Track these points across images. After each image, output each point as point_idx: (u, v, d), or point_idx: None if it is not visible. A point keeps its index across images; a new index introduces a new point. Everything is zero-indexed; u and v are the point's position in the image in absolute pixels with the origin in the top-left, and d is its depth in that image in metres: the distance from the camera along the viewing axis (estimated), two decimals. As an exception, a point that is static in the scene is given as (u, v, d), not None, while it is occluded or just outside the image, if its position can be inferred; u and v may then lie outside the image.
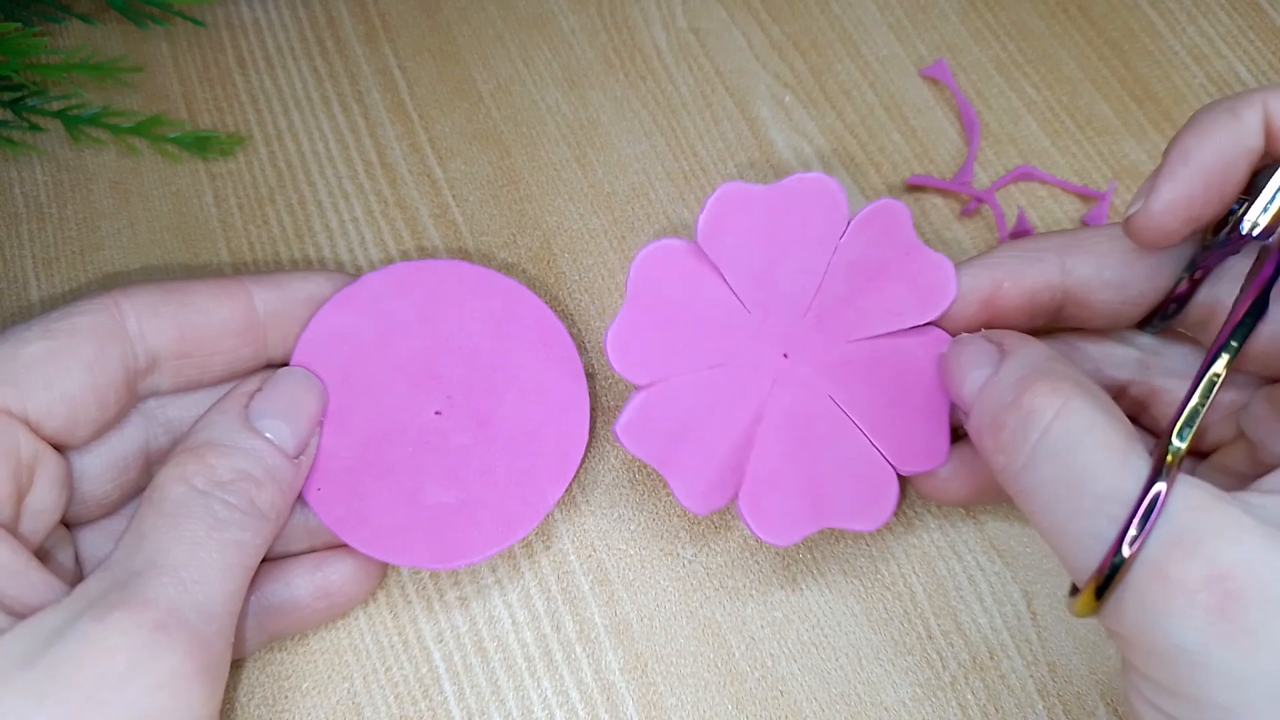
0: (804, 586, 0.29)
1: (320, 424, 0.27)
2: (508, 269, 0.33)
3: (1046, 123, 0.36)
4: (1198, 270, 0.25)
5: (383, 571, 0.28)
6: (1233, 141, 0.22)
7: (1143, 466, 0.19)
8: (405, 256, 0.33)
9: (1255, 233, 0.22)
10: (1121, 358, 0.28)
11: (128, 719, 0.20)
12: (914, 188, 0.35)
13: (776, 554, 0.29)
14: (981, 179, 0.35)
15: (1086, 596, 0.19)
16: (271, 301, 0.27)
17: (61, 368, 0.24)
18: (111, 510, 0.27)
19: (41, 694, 0.19)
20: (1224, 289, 0.25)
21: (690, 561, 0.29)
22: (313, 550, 0.28)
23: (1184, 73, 0.36)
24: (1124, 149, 0.35)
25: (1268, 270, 0.21)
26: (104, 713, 0.20)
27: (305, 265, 0.33)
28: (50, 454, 0.24)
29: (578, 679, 0.28)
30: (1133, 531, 0.18)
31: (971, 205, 0.34)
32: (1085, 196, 0.34)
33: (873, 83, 0.36)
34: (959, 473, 0.27)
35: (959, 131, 0.36)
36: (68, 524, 0.26)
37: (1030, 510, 0.21)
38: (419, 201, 0.34)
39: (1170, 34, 0.37)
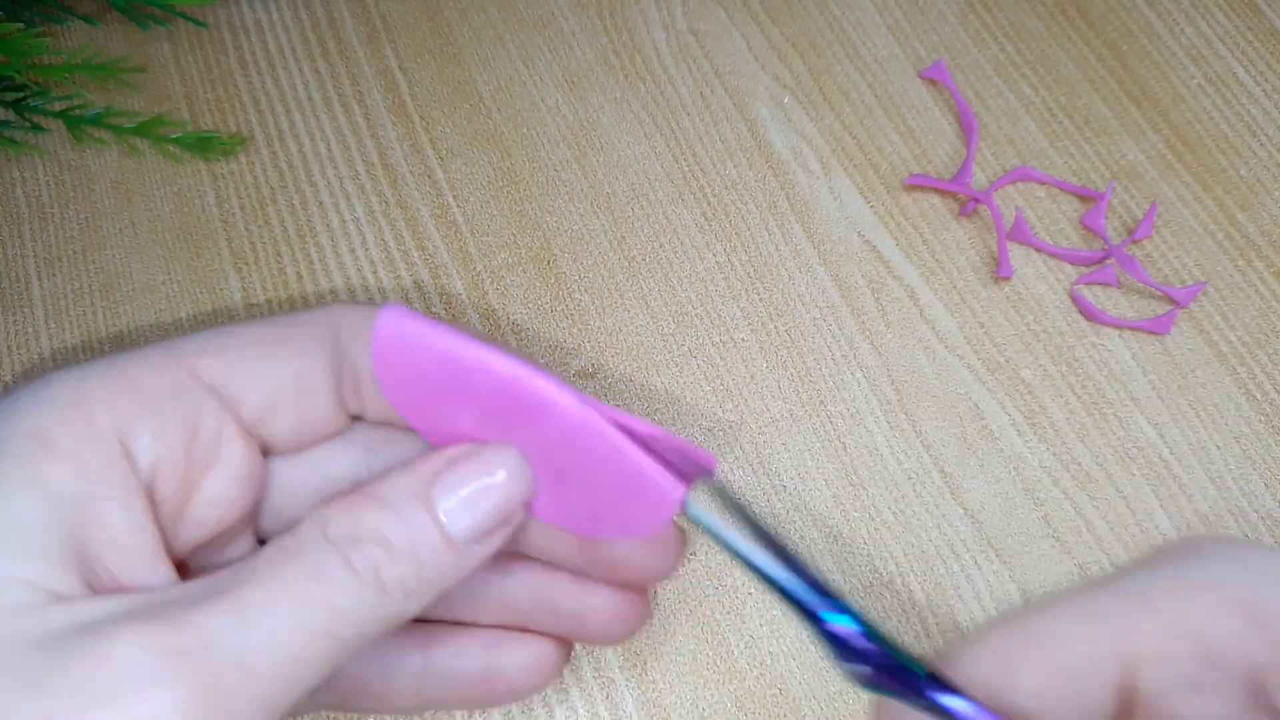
0: (803, 585, 0.29)
1: (520, 515, 0.23)
2: (508, 269, 0.33)
3: (1044, 123, 0.36)
4: None
5: (562, 666, 0.26)
6: None
7: None
8: (406, 257, 0.34)
9: None
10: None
11: None
12: (913, 188, 0.35)
13: (775, 552, 0.30)
14: (980, 179, 0.35)
15: None
16: None
17: (273, 351, 0.23)
18: None
19: (32, 680, 0.18)
20: None
21: (689, 559, 0.30)
22: (500, 626, 0.25)
23: (1182, 73, 0.37)
24: (1122, 149, 0.35)
25: None
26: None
27: (312, 277, 0.34)
28: (239, 441, 0.22)
29: (577, 676, 0.28)
30: None
31: (969, 205, 0.34)
32: (1083, 197, 0.35)
33: (871, 84, 0.37)
34: None
35: (957, 132, 0.36)
36: (261, 539, 0.25)
37: None
38: (420, 202, 0.35)
39: (1168, 35, 0.37)
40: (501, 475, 0.23)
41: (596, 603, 0.25)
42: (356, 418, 0.25)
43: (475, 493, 0.22)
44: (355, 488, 0.23)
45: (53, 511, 0.20)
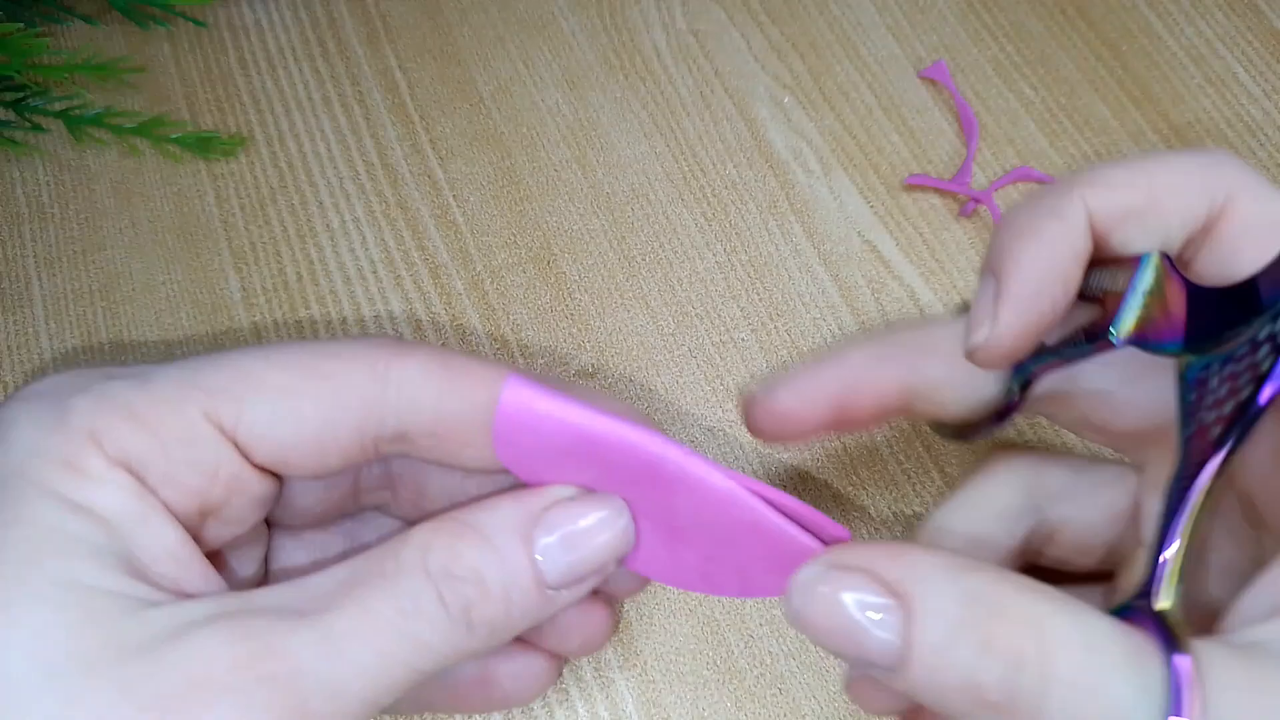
0: (803, 585, 0.29)
1: (613, 568, 0.23)
2: (508, 269, 0.33)
3: (1044, 123, 0.36)
4: (1031, 376, 0.23)
5: (554, 677, 0.26)
6: (1065, 248, 0.20)
7: (1153, 653, 0.17)
8: (406, 257, 0.34)
9: (1121, 338, 0.20)
10: (1006, 510, 0.25)
11: None
12: (912, 187, 0.35)
13: (775, 552, 0.30)
14: (980, 179, 0.35)
15: None
16: None
17: (293, 407, 0.22)
18: (312, 524, 0.25)
19: (131, 688, 0.18)
20: (1055, 377, 0.23)
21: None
22: None
23: (1182, 74, 0.37)
24: (1121, 150, 0.35)
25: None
26: None
27: (312, 278, 0.34)
28: (254, 477, 0.22)
29: (577, 676, 0.28)
30: None
31: (969, 206, 0.34)
32: (1083, 197, 0.35)
33: (871, 84, 0.37)
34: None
35: (957, 132, 0.36)
36: (268, 523, 0.25)
37: None
38: (420, 202, 0.35)
39: (1168, 35, 0.37)
40: (604, 525, 0.22)
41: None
42: (390, 458, 0.24)
43: (575, 537, 0.22)
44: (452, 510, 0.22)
45: (105, 531, 0.20)
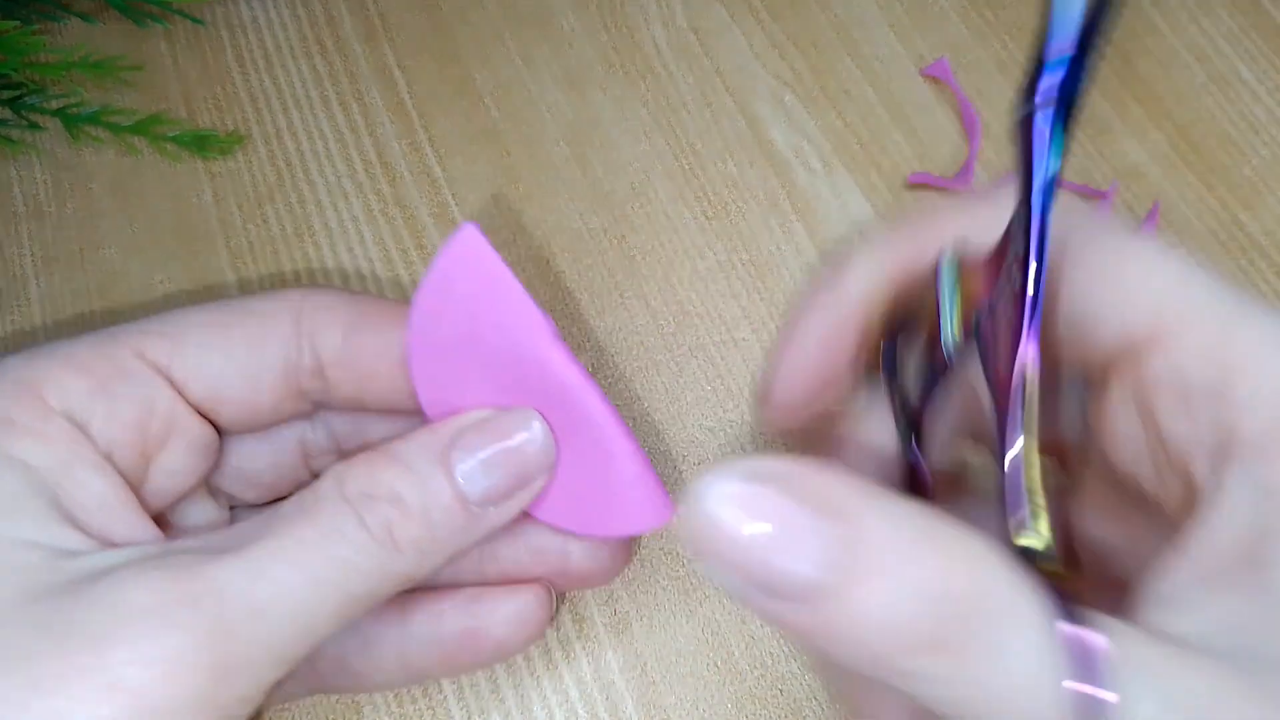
0: (804, 586, 0.29)
1: (539, 482, 0.23)
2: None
3: (1047, 122, 0.36)
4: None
5: (547, 617, 0.25)
6: (834, 318, 0.22)
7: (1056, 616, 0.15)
8: (405, 256, 0.33)
9: (954, 349, 0.20)
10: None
11: (103, 681, 0.18)
12: (915, 186, 0.35)
13: (776, 553, 0.29)
14: (982, 178, 0.35)
15: None
16: None
17: (221, 337, 0.23)
18: (269, 494, 0.26)
19: (48, 626, 0.18)
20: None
21: (690, 560, 0.29)
22: (481, 584, 0.25)
23: (1185, 72, 0.36)
24: (1125, 148, 0.35)
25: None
26: (85, 663, 0.18)
27: (310, 276, 0.33)
28: (191, 418, 0.23)
29: (577, 677, 0.28)
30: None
31: (972, 204, 0.34)
32: (1087, 196, 0.34)
33: (873, 82, 0.36)
34: None
35: (960, 131, 0.36)
36: (232, 505, 0.26)
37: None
38: (418, 200, 0.34)
39: (1171, 33, 0.37)
40: (522, 438, 0.23)
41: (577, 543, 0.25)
42: (320, 404, 0.25)
43: (494, 456, 0.22)
44: (366, 447, 0.23)
45: (34, 482, 0.20)
